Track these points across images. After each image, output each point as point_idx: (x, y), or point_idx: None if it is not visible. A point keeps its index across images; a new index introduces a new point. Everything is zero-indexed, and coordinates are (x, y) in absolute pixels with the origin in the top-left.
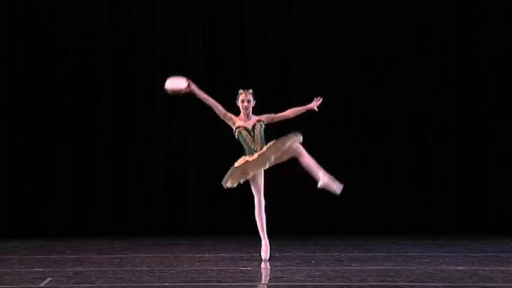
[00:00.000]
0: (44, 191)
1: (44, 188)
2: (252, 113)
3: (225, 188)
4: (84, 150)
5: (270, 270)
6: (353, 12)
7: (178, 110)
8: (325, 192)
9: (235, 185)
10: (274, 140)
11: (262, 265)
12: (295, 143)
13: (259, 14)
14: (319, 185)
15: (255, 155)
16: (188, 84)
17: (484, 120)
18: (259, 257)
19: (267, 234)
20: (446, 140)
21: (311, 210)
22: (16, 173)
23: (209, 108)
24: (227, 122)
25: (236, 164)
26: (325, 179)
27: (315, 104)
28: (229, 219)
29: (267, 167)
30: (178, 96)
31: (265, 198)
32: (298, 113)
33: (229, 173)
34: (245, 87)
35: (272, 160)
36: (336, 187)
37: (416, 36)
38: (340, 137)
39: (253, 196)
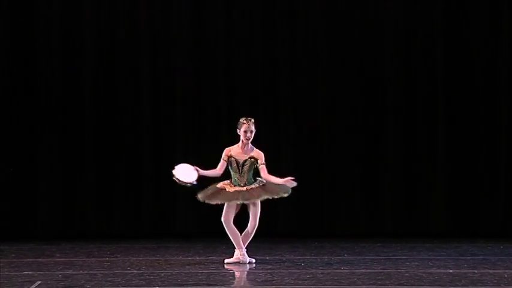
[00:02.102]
0: (30, 194)
1: (31, 191)
2: (251, 142)
3: (198, 198)
4: (72, 153)
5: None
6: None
7: (166, 112)
8: (314, 195)
9: (202, 200)
10: (264, 184)
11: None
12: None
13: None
14: (227, 261)
15: (234, 189)
16: (197, 172)
17: (473, 123)
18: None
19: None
20: (436, 143)
21: (300, 213)
22: (4, 176)
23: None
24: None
25: (218, 185)
26: (238, 257)
27: (289, 181)
28: (219, 222)
29: (235, 202)
30: (186, 186)
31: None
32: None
33: (208, 188)
34: (247, 117)
35: (242, 199)
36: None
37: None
38: (330, 139)
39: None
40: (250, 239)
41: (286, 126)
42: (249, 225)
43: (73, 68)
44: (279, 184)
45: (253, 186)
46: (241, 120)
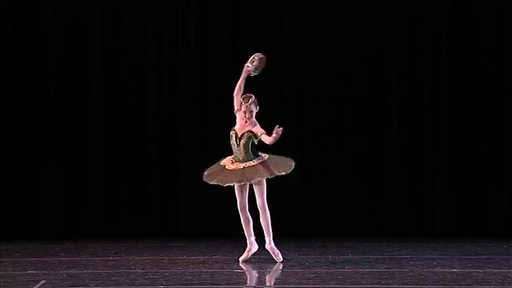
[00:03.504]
0: (34, 193)
1: (35, 190)
2: (256, 118)
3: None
4: (76, 152)
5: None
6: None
7: (171, 110)
8: (318, 194)
9: (204, 180)
10: (264, 160)
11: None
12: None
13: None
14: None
15: (233, 166)
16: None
17: (478, 122)
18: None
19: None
20: (440, 142)
21: (304, 212)
22: (7, 175)
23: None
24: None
25: (221, 161)
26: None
27: (274, 136)
28: (223, 221)
29: (229, 184)
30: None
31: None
32: (274, 140)
33: (212, 166)
34: (247, 97)
35: (234, 180)
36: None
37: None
38: (334, 138)
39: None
40: (268, 224)
41: (290, 124)
42: (259, 209)
43: (78, 65)
44: (278, 162)
45: (251, 163)
46: (241, 101)
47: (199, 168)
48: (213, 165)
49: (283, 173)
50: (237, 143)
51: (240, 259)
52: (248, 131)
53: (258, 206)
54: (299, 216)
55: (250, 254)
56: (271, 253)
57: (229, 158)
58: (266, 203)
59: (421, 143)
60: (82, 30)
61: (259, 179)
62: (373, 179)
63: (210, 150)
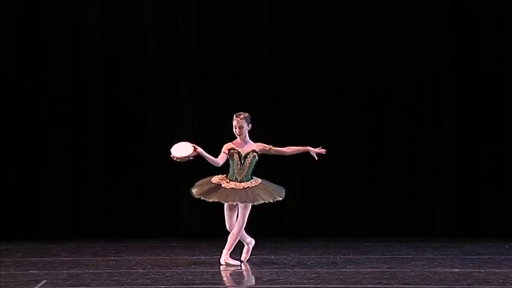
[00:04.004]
0: (36, 193)
1: (36, 190)
2: (250, 138)
3: (192, 193)
4: (78, 152)
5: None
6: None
7: (171, 110)
8: (319, 194)
9: (197, 197)
10: (260, 183)
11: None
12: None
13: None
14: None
15: (230, 185)
16: (194, 149)
17: (479, 122)
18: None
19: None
20: (441, 141)
21: (306, 212)
22: (9, 175)
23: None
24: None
25: (212, 179)
26: (223, 259)
27: (316, 151)
28: (224, 221)
29: (231, 202)
30: (184, 162)
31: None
32: (296, 153)
33: (201, 182)
34: (238, 111)
35: (239, 200)
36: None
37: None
38: (333, 139)
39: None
40: (235, 242)
41: (291, 125)
42: (236, 225)
43: (79, 65)
44: (273, 186)
45: (249, 184)
46: (233, 116)
47: (200, 168)
48: (202, 182)
49: (280, 199)
50: (241, 162)
51: (242, 258)
52: (253, 151)
53: (237, 223)
54: (300, 217)
55: (250, 251)
56: (230, 262)
57: (220, 176)
58: (244, 224)
59: (421, 143)
60: (82, 30)
61: (263, 202)
62: (374, 179)
63: (210, 150)
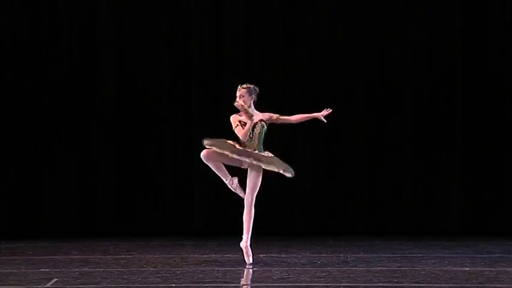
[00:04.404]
0: (47, 191)
1: (48, 188)
2: (256, 109)
3: (203, 143)
4: (89, 150)
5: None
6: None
7: (184, 109)
8: (329, 192)
9: (208, 146)
10: (273, 156)
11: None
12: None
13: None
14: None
15: (245, 148)
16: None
17: (490, 121)
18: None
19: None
20: (454, 140)
21: (316, 210)
22: (20, 173)
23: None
24: (238, 129)
25: (229, 141)
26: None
27: (323, 114)
28: (235, 219)
29: (243, 165)
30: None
31: (270, 199)
32: (304, 120)
33: (218, 140)
34: (242, 83)
35: (250, 163)
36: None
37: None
38: (345, 136)
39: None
40: (251, 222)
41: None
42: (244, 204)
43: (89, 62)
44: (283, 163)
45: (263, 153)
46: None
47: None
48: (215, 139)
49: (290, 175)
50: (250, 133)
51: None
52: (260, 121)
53: (246, 202)
54: (311, 215)
55: (250, 251)
56: (244, 252)
57: (234, 142)
58: (254, 202)
59: (433, 142)
60: (93, 27)
61: (275, 169)
62: (385, 178)
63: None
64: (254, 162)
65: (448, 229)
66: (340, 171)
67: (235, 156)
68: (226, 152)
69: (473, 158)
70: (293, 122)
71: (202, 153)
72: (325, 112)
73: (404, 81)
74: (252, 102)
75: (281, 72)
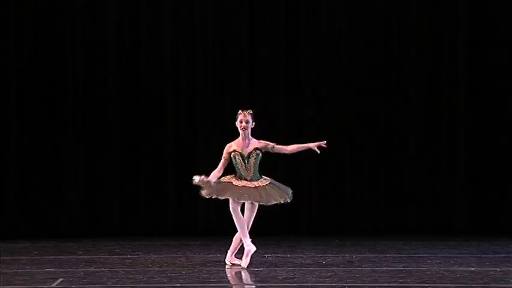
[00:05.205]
0: (53, 191)
1: (53, 188)
2: (252, 136)
3: (203, 194)
4: (95, 151)
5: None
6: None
7: (188, 110)
8: (335, 192)
9: (208, 197)
10: (270, 182)
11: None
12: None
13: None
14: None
15: (241, 183)
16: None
17: (495, 120)
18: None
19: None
20: (458, 139)
21: (322, 211)
22: (26, 174)
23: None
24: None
25: (222, 179)
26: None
27: (317, 145)
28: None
29: (244, 201)
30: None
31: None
32: (298, 150)
33: (211, 183)
34: (244, 108)
35: (252, 199)
36: (244, 263)
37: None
38: (350, 139)
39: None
40: (240, 244)
41: (308, 124)
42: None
43: (96, 63)
44: (281, 186)
45: (260, 184)
46: (238, 111)
47: (216, 167)
48: (212, 182)
49: (288, 200)
50: (245, 163)
51: (243, 265)
52: (255, 149)
53: (248, 224)
54: (316, 215)
55: (250, 256)
56: (244, 255)
57: (229, 176)
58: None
59: (438, 141)
60: (98, 27)
61: (275, 202)
62: (390, 178)
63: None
64: (255, 203)
65: (454, 229)
66: (347, 171)
67: (236, 199)
68: (227, 195)
69: (478, 157)
70: (288, 152)
71: (232, 206)
72: (320, 143)
73: (414, 83)
74: (251, 128)
75: (282, 72)
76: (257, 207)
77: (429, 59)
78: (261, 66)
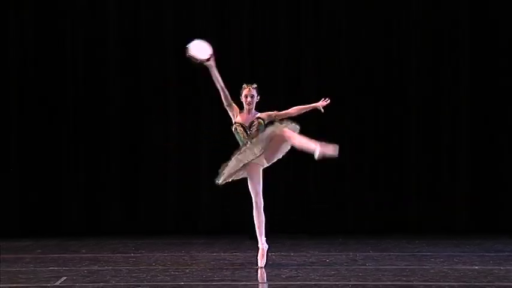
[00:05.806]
0: (55, 190)
1: (56, 186)
2: (256, 109)
3: (220, 183)
4: (97, 149)
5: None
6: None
7: (190, 109)
8: (340, 191)
9: (230, 180)
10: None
11: (259, 273)
12: (280, 129)
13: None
14: (316, 157)
15: (249, 142)
16: (209, 58)
17: (497, 119)
18: (256, 263)
19: (267, 236)
20: (458, 139)
21: (325, 209)
22: (28, 172)
23: (218, 95)
24: (229, 112)
25: (226, 163)
26: (318, 149)
27: (321, 104)
28: (244, 218)
29: (261, 154)
30: (193, 62)
31: (279, 198)
32: (302, 112)
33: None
34: (249, 82)
35: (264, 143)
36: (332, 150)
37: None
38: (352, 138)
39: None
40: (303, 141)
41: (308, 124)
42: (295, 144)
43: (97, 61)
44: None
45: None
46: (243, 85)
47: (219, 165)
48: (222, 170)
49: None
50: (247, 132)
51: (260, 265)
52: (257, 118)
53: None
54: (320, 214)
55: (266, 255)
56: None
57: (234, 153)
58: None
59: (440, 141)
60: (100, 26)
61: (274, 128)
62: (393, 177)
63: (229, 147)
64: (265, 160)
65: (457, 227)
66: (349, 170)
67: (246, 166)
68: (240, 167)
69: (480, 156)
70: (293, 115)
71: (257, 205)
72: (323, 102)
73: (416, 82)
74: (256, 102)
75: (283, 72)
76: (258, 170)
77: (429, 59)
78: (261, 66)
